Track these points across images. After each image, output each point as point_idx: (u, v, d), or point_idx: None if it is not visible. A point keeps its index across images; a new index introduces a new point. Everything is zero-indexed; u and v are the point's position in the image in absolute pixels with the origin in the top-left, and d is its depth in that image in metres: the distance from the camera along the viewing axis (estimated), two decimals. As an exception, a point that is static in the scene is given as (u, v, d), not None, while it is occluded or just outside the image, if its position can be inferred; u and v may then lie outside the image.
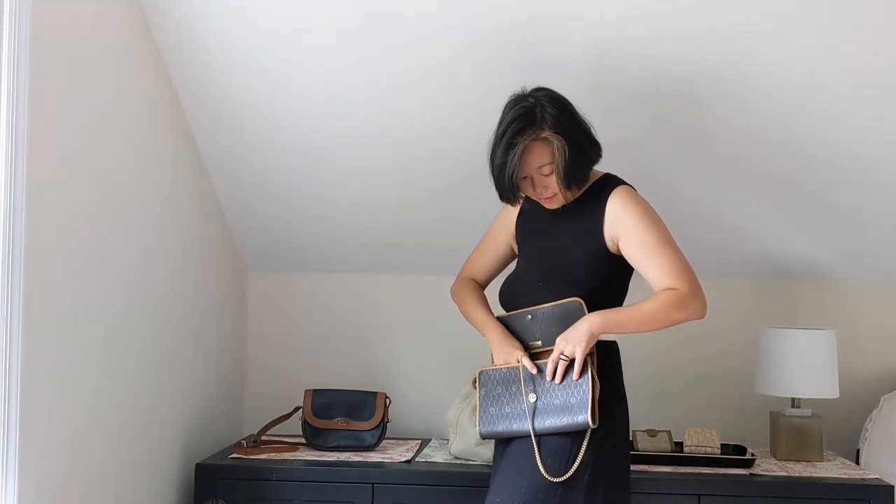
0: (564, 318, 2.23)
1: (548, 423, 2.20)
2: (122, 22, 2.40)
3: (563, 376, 2.19)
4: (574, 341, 2.18)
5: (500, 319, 2.36)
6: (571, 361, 2.18)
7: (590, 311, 2.23)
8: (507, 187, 2.23)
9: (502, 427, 2.27)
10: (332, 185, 2.97)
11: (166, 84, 2.64)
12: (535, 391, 2.23)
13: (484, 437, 2.33)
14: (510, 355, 2.28)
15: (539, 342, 2.27)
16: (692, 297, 2.19)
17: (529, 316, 2.28)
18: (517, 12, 2.42)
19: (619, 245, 2.24)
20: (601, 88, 2.40)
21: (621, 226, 2.23)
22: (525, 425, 2.22)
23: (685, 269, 2.21)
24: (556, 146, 2.20)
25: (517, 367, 2.26)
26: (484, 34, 2.48)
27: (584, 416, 2.14)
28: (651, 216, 2.24)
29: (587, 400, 2.15)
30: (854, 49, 2.46)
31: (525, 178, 2.25)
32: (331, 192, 3.00)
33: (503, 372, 2.29)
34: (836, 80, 2.54)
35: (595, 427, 2.15)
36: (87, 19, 2.23)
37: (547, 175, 2.24)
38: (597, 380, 2.18)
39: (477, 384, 2.35)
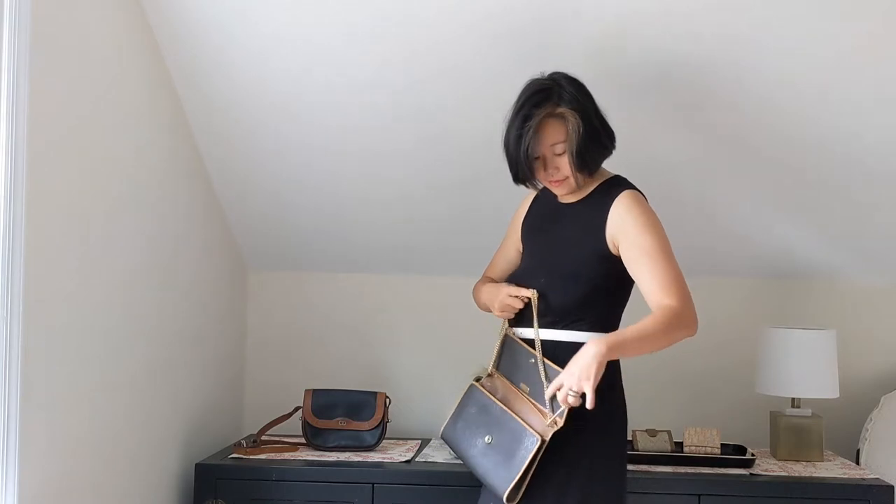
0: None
1: (486, 464, 2.22)
2: (122, 22, 2.39)
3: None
4: (581, 375, 2.04)
5: (505, 341, 2.35)
6: (583, 396, 2.07)
7: (589, 310, 2.23)
8: (523, 162, 2.23)
9: (455, 441, 2.33)
10: (332, 186, 2.97)
11: (166, 84, 2.64)
12: (490, 433, 2.23)
13: (441, 437, 2.38)
14: (499, 294, 2.33)
15: (528, 389, 2.25)
16: (685, 314, 2.15)
17: (532, 360, 2.25)
18: (523, 4, 2.42)
19: (619, 248, 2.23)
20: (602, 87, 2.40)
21: (622, 230, 2.22)
22: (469, 456, 2.27)
23: (678, 283, 2.17)
24: (570, 123, 2.21)
25: (497, 405, 2.26)
26: (488, 23, 2.46)
27: (505, 486, 2.13)
28: (653, 224, 2.23)
29: (519, 470, 2.13)
30: (858, 48, 2.46)
31: (537, 158, 2.25)
32: (331, 193, 3.00)
33: (486, 400, 2.30)
34: (838, 79, 2.54)
35: (508, 501, 2.14)
36: (87, 18, 2.23)
37: (559, 154, 2.24)
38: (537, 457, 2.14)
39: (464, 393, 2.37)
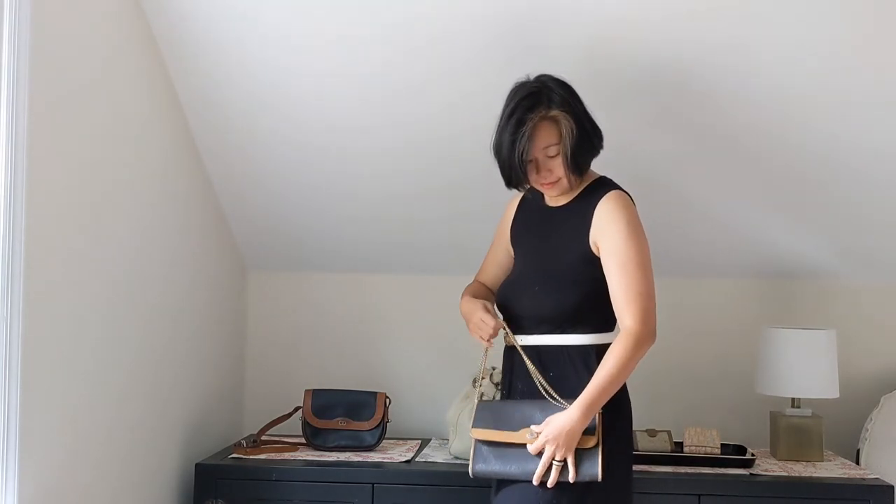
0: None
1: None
2: (122, 22, 2.40)
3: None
4: (564, 445, 2.12)
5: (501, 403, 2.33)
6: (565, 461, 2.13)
7: (587, 314, 2.23)
8: (517, 167, 2.21)
9: (498, 467, 2.21)
10: (332, 186, 2.97)
11: (166, 84, 2.64)
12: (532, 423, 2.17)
13: (476, 475, 2.24)
14: (474, 315, 2.30)
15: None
16: (642, 334, 2.15)
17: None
18: (515, 6, 2.42)
19: (599, 248, 2.23)
20: (596, 88, 2.40)
21: (603, 231, 2.22)
22: (525, 466, 2.16)
23: (642, 297, 2.17)
24: (564, 125, 2.21)
25: (518, 400, 2.25)
26: (478, 23, 2.47)
27: (595, 470, 2.11)
28: (635, 230, 2.22)
29: (597, 453, 2.12)
30: (856, 47, 2.46)
31: (530, 161, 2.24)
32: (331, 193, 3.00)
33: (506, 404, 2.26)
34: (836, 77, 2.54)
35: (601, 480, 2.11)
36: (87, 18, 2.23)
37: (552, 157, 2.23)
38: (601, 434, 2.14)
39: (472, 413, 2.30)
